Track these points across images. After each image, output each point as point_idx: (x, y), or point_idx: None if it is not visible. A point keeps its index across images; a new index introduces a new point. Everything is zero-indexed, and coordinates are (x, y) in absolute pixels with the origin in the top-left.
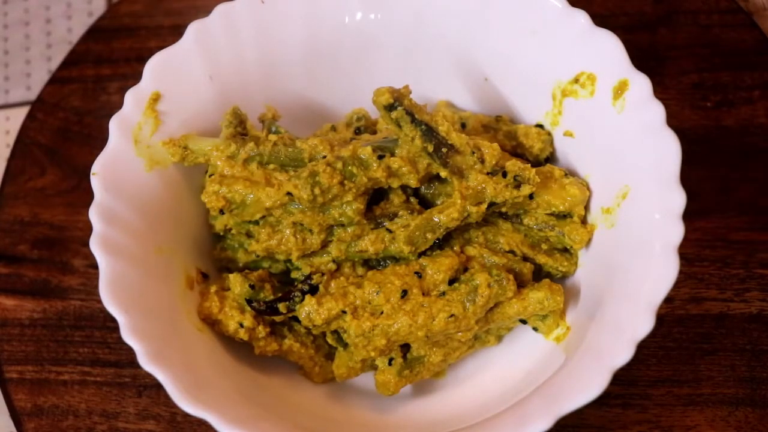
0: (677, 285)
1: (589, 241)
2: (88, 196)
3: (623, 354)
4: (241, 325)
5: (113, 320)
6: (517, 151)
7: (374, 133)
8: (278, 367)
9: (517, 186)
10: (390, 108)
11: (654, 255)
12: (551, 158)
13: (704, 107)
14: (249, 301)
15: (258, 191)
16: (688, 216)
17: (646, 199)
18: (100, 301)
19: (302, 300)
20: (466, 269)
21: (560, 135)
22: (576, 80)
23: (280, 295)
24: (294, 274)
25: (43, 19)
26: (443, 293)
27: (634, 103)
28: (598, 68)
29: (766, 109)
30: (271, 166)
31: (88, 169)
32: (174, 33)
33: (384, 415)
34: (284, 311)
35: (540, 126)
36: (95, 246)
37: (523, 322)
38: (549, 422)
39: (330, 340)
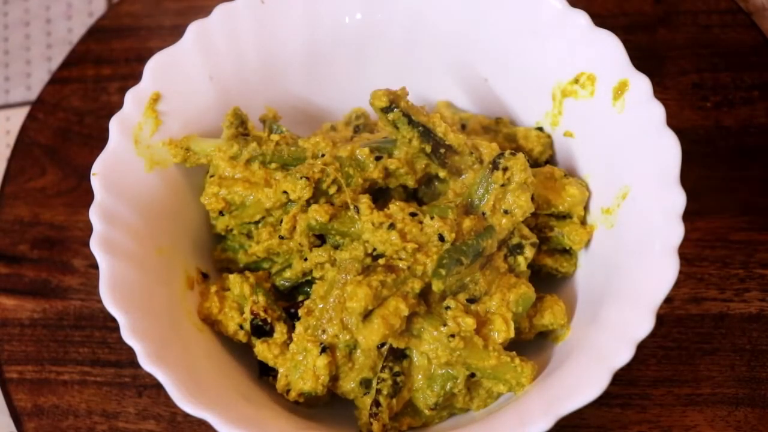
0: (677, 285)
1: (589, 241)
2: (88, 196)
3: (623, 354)
4: (241, 327)
5: (113, 320)
6: None
7: (373, 131)
8: None
9: None
10: (387, 110)
11: (654, 255)
12: (551, 159)
13: (704, 107)
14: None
15: (258, 192)
16: (688, 216)
17: (646, 200)
18: (100, 301)
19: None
20: None
21: (560, 135)
22: (576, 80)
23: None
24: (288, 273)
25: (44, 19)
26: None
27: (634, 104)
28: (598, 68)
29: (766, 109)
30: (273, 165)
31: (88, 169)
32: (174, 33)
33: None
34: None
35: (540, 128)
36: (95, 246)
37: None
38: (549, 422)
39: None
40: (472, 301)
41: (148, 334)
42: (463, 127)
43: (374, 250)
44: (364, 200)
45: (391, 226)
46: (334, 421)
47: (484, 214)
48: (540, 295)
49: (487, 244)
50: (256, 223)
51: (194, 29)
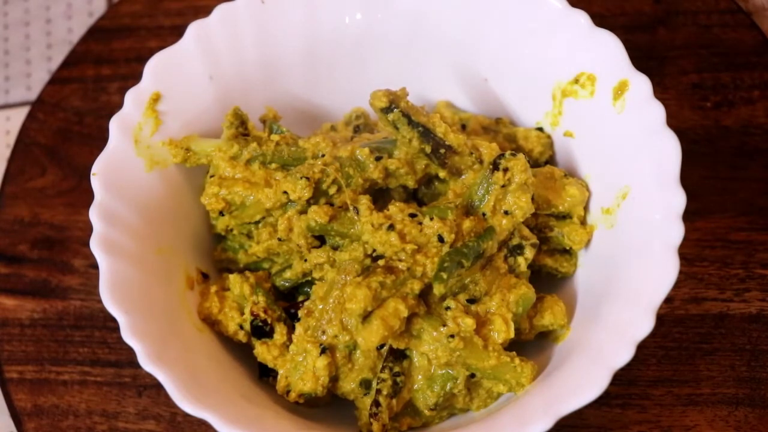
0: (677, 285)
1: (589, 241)
2: (88, 196)
3: (623, 354)
4: (241, 327)
5: (113, 320)
6: None
7: (373, 131)
8: None
9: None
10: (387, 110)
11: (654, 255)
12: (551, 159)
13: (704, 107)
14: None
15: (258, 192)
16: (688, 216)
17: (646, 200)
18: (100, 301)
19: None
20: None
21: (560, 135)
22: (576, 80)
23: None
24: (288, 274)
25: (44, 20)
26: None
27: (634, 104)
28: (598, 68)
29: (766, 109)
30: (273, 165)
31: (88, 169)
32: (174, 33)
33: None
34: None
35: (540, 129)
36: (95, 246)
37: None
38: (549, 423)
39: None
40: (472, 301)
41: (148, 334)
42: (463, 127)
43: (374, 251)
44: (364, 201)
45: (391, 227)
46: (334, 422)
47: (484, 214)
48: (540, 295)
49: (488, 245)
50: (257, 223)
51: (194, 29)
